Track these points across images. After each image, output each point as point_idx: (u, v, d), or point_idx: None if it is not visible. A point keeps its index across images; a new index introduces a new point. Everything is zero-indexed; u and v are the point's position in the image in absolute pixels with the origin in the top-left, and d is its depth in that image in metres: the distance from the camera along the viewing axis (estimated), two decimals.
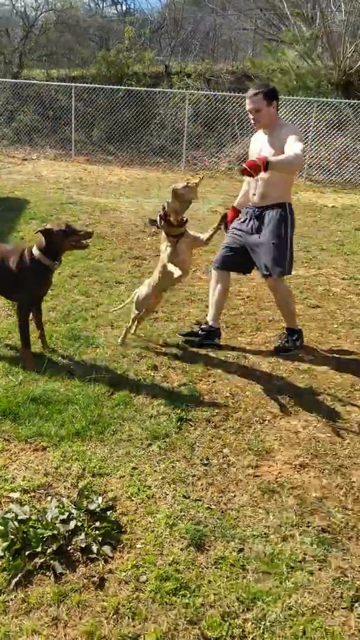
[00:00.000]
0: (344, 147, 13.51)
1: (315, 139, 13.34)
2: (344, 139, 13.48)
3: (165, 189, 11.12)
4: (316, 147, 13.47)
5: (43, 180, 10.95)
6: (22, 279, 3.56)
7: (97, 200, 9.23)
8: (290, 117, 13.52)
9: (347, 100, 13.45)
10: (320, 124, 13.24)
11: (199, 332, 4.17)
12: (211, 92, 14.95)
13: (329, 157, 13.52)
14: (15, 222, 7.24)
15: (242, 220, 4.04)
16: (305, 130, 13.30)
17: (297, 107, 13.30)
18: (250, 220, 3.94)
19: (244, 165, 3.21)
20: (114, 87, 14.89)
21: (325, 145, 13.49)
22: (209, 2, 20.54)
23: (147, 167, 14.24)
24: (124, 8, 34.83)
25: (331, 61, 15.03)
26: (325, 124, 13.31)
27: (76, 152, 14.71)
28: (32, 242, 3.66)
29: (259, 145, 3.78)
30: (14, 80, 16.04)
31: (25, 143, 15.44)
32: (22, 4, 18.26)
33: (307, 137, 13.29)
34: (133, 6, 34.33)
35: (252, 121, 3.75)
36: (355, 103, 13.35)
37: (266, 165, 3.21)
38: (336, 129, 13.40)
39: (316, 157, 13.50)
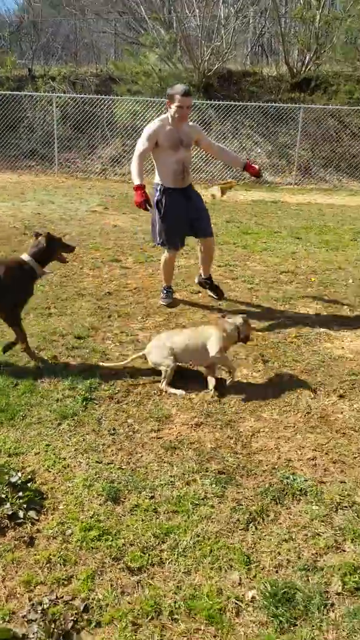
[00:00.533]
0: None
1: None
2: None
3: (40, 191, 11.19)
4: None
5: None
6: (13, 286, 3.61)
7: None
8: (154, 117, 14.06)
9: (208, 102, 14.25)
10: None
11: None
12: (78, 95, 15.10)
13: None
14: None
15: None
16: None
17: (161, 109, 13.85)
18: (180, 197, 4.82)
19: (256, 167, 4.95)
20: None
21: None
22: (67, 6, 20.57)
23: (19, 170, 14.10)
24: None
25: (191, 64, 15.81)
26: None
27: None
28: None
29: (177, 136, 4.63)
30: None
31: None
32: None
33: None
34: None
35: (178, 116, 4.52)
36: (216, 104, 14.19)
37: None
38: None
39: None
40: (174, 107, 4.50)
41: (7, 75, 16.12)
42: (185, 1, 18.17)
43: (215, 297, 5.32)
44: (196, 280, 5.51)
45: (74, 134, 15.06)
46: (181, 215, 4.82)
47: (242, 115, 14.34)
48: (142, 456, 2.91)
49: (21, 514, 2.42)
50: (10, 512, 2.41)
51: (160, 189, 4.77)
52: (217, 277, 5.97)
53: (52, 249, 3.76)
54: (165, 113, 4.68)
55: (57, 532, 2.36)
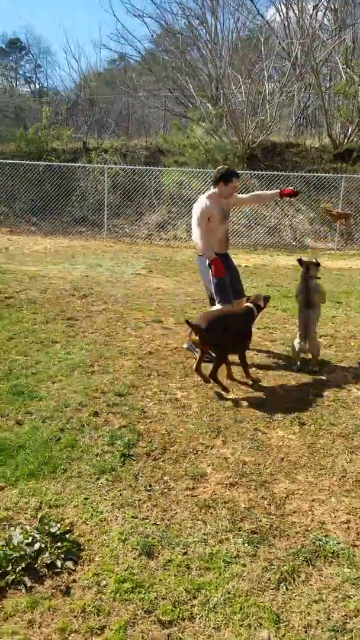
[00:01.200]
0: (253, 212, 14.77)
1: None
2: (251, 206, 14.74)
3: (89, 255, 11.73)
4: None
5: None
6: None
7: (25, 269, 9.62)
8: (202, 187, 14.68)
9: (252, 172, 14.81)
10: None
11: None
12: (128, 166, 15.98)
13: (239, 222, 14.70)
14: None
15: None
16: None
17: (207, 179, 14.48)
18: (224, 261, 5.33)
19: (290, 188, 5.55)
20: (34, 162, 15.58)
21: (235, 211, 14.67)
22: (121, 85, 22.07)
23: (71, 235, 14.84)
24: (37, 86, 36.42)
25: (235, 137, 16.57)
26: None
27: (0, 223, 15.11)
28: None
29: (223, 211, 5.33)
30: None
31: None
32: None
33: None
34: (46, 84, 35.93)
35: (231, 193, 5.29)
36: (259, 174, 14.73)
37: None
38: None
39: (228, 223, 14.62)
40: (230, 187, 5.20)
41: (63, 147, 17.25)
42: (232, 78, 19.26)
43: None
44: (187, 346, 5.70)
45: (123, 202, 15.83)
46: (226, 276, 5.29)
47: (284, 184, 14.79)
48: (176, 513, 2.98)
49: (59, 563, 2.51)
50: (49, 561, 2.51)
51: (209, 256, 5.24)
52: (256, 340, 6.09)
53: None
54: (210, 190, 5.33)
55: (92, 582, 2.44)
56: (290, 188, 5.54)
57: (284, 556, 2.65)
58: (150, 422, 4.03)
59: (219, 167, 5.37)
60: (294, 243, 14.52)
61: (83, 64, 33.21)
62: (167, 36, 23.15)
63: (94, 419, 4.03)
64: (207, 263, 5.19)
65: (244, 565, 2.58)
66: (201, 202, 5.20)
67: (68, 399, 4.33)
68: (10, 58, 43.23)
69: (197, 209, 5.20)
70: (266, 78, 18.16)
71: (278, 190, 5.59)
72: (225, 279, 5.27)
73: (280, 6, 22.56)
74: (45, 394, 4.38)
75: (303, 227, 14.94)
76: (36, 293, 7.79)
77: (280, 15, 22.88)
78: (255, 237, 14.54)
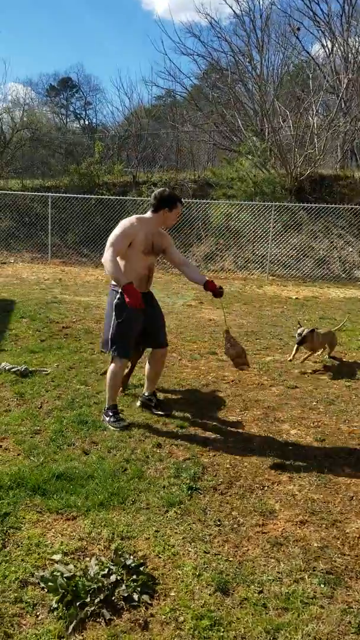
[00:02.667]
0: (301, 244, 14.77)
1: (275, 239, 14.56)
2: (300, 238, 14.76)
3: None
4: (276, 245, 14.67)
5: (24, 282, 11.58)
6: None
7: (79, 299, 9.85)
8: (251, 220, 14.81)
9: (300, 204, 14.86)
10: (278, 225, 14.52)
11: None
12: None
13: (287, 254, 14.71)
14: (6, 320, 7.72)
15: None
16: (265, 231, 14.56)
17: (256, 211, 14.62)
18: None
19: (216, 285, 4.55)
20: (87, 196, 16.07)
21: (284, 243, 14.71)
22: (169, 119, 22.66)
23: None
24: (87, 122, 37.71)
25: (284, 169, 16.70)
26: (283, 225, 14.60)
27: (52, 254, 15.55)
28: None
29: (151, 240, 4.34)
30: None
31: (2, 248, 16.25)
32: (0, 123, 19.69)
33: (267, 237, 14.52)
34: (95, 120, 37.17)
35: (172, 221, 4.45)
36: (307, 206, 14.76)
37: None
38: (293, 229, 14.69)
39: (277, 254, 14.66)
40: (174, 214, 4.36)
41: (113, 181, 17.75)
42: (280, 112, 19.52)
43: (162, 414, 4.70)
44: (138, 404, 4.89)
45: (171, 234, 16.02)
46: (139, 322, 4.43)
47: (333, 216, 14.78)
48: (248, 550, 2.95)
49: (136, 597, 2.51)
50: (126, 594, 2.52)
51: (121, 292, 4.16)
52: (314, 374, 6.03)
53: None
54: (142, 213, 4.51)
55: (170, 618, 2.43)
56: (217, 285, 4.57)
57: None
58: (214, 455, 4.02)
59: (160, 189, 4.47)
60: (343, 275, 14.39)
61: (134, 100, 34.24)
62: (215, 72, 23.75)
63: (158, 450, 4.05)
64: (114, 298, 4.34)
65: (322, 607, 2.52)
66: (126, 220, 4.29)
67: (130, 429, 4.37)
68: (62, 96, 45.03)
69: (118, 226, 4.25)
70: (314, 112, 18.34)
71: (205, 279, 4.56)
72: (132, 323, 4.36)
73: (326, 42, 22.90)
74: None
75: (352, 259, 14.82)
76: (91, 323, 7.95)
77: (325, 50, 23.22)
78: (303, 269, 14.49)
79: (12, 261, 15.08)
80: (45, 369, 5.66)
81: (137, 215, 4.38)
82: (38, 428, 4.30)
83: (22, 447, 3.94)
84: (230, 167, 17.11)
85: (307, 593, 2.61)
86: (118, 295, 4.32)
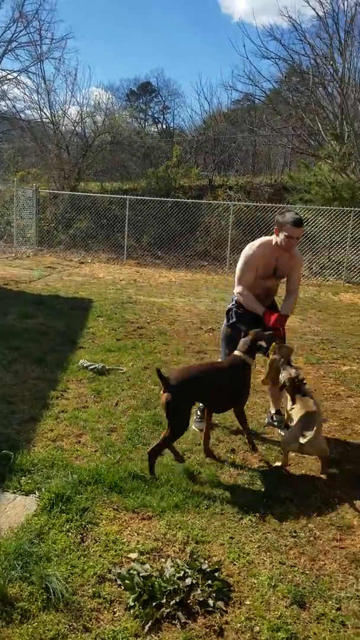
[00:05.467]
0: None
1: (353, 244, 14.15)
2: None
3: (212, 289, 11.92)
4: (355, 252, 14.26)
5: (101, 282, 11.87)
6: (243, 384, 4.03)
7: (153, 300, 9.98)
8: (327, 225, 14.48)
9: None
10: (356, 230, 14.11)
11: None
12: (252, 203, 16.17)
13: None
14: (84, 318, 7.93)
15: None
16: (342, 237, 14.20)
17: (333, 216, 14.28)
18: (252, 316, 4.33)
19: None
20: (163, 199, 16.27)
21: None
22: (247, 123, 22.56)
23: (193, 269, 15.21)
24: (164, 126, 38.21)
25: None
26: None
27: (127, 256, 15.86)
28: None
29: (273, 265, 4.31)
30: (72, 193, 17.68)
31: (80, 248, 16.75)
32: (82, 126, 20.29)
33: (344, 243, 14.16)
34: (172, 124, 37.58)
35: (285, 245, 4.15)
36: None
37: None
38: None
39: (355, 261, 14.25)
40: (282, 235, 4.15)
41: (190, 184, 17.88)
42: None
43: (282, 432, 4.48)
44: (266, 421, 4.72)
45: (245, 237, 15.96)
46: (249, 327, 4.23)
47: None
48: (325, 564, 2.87)
49: (211, 602, 2.51)
50: (201, 599, 2.52)
51: (236, 301, 4.42)
52: None
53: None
54: (269, 236, 4.36)
55: (245, 627, 2.40)
56: (276, 317, 4.20)
57: None
58: (289, 465, 3.94)
59: (284, 211, 4.34)
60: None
61: (214, 104, 34.42)
62: (295, 75, 23.40)
63: (232, 456, 4.03)
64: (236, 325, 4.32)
65: None
66: (250, 249, 4.29)
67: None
68: (141, 100, 45.83)
69: (242, 256, 4.31)
70: None
71: (263, 309, 4.26)
72: (234, 327, 4.35)
73: None
74: None
75: None
76: (165, 325, 8.03)
77: None
78: None
79: (89, 261, 15.50)
80: (121, 368, 5.77)
81: (259, 239, 4.33)
82: (114, 426, 4.39)
83: (100, 444, 4.03)
84: (308, 171, 16.79)
85: None
86: (232, 303, 4.51)
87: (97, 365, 5.64)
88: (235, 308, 4.48)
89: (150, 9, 64.30)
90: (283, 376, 3.94)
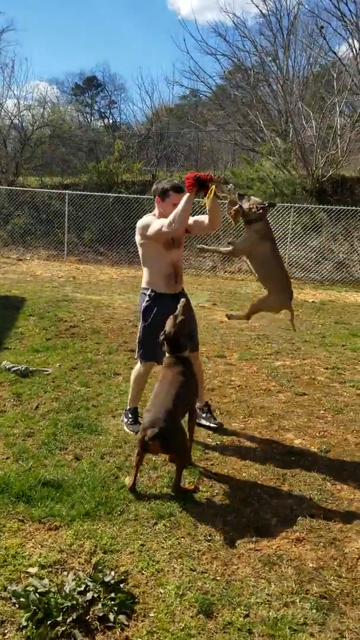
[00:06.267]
0: (320, 247, 14.48)
1: (294, 240, 14.30)
2: (320, 240, 14.47)
3: None
4: (295, 247, 14.41)
5: (38, 279, 11.53)
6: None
7: (90, 297, 9.74)
8: (270, 220, 14.56)
9: (321, 206, 14.56)
10: (297, 226, 14.26)
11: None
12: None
13: (306, 256, 14.43)
14: (14, 318, 7.63)
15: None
16: (284, 232, 14.32)
17: (275, 212, 14.36)
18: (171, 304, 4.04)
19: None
20: (105, 194, 15.98)
21: (303, 245, 14.44)
22: (191, 119, 22.49)
23: (136, 266, 14.99)
24: (111, 121, 37.78)
25: (304, 171, 16.41)
26: (302, 227, 14.33)
27: (68, 252, 15.51)
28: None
29: None
30: (9, 187, 17.14)
31: (19, 244, 16.27)
32: (20, 119, 19.72)
33: (286, 239, 14.27)
34: (119, 119, 37.16)
35: (168, 212, 3.90)
36: (328, 208, 14.46)
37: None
38: (312, 231, 14.42)
39: (295, 257, 14.39)
40: (168, 204, 3.97)
41: (133, 180, 17.64)
42: (303, 113, 19.20)
43: (214, 426, 4.44)
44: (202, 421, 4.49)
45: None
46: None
47: (354, 219, 14.44)
48: (238, 568, 2.77)
49: (112, 617, 2.36)
50: (101, 614, 2.36)
51: (150, 295, 4.18)
52: (324, 380, 5.82)
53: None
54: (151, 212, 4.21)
55: None
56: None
57: (356, 627, 2.39)
58: (212, 464, 3.84)
59: (159, 180, 4.04)
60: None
61: (156, 99, 34.14)
62: (239, 72, 23.48)
63: (154, 458, 3.87)
64: (144, 301, 4.19)
65: (312, 635, 2.34)
66: (145, 219, 4.10)
67: (127, 434, 4.22)
68: (87, 94, 45.13)
69: (138, 228, 4.11)
70: (338, 113, 17.98)
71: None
72: (159, 327, 3.89)
73: (353, 42, 22.46)
74: (104, 428, 4.29)
75: None
76: (100, 323, 7.83)
77: (353, 51, 22.79)
78: (322, 272, 14.20)
79: (27, 258, 15.07)
80: (46, 369, 5.54)
81: (149, 215, 4.16)
82: (31, 430, 4.17)
83: (12, 450, 3.81)
84: (251, 167, 16.87)
85: (296, 619, 2.42)
86: (147, 298, 4.20)
87: (19, 367, 5.39)
88: (149, 302, 4.20)
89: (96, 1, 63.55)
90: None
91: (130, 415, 4.38)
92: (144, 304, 4.21)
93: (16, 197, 16.94)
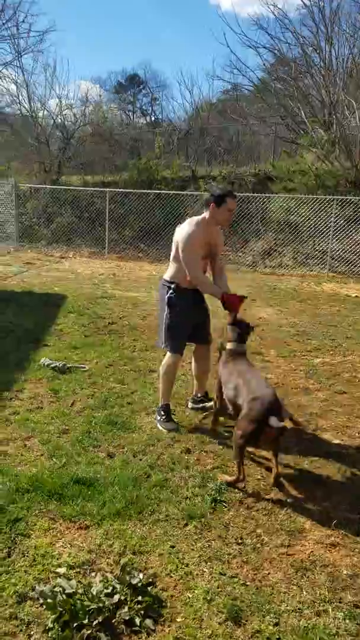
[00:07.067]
0: None
1: (336, 234, 13.95)
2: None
3: None
4: (338, 241, 14.06)
5: (79, 277, 11.64)
6: None
7: (129, 294, 9.76)
8: (311, 214, 14.27)
9: None
10: (340, 219, 13.90)
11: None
12: (236, 193, 15.91)
13: (350, 249, 14.06)
14: (55, 315, 7.72)
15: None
16: (326, 225, 14.00)
17: (316, 205, 14.06)
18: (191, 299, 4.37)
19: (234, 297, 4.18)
20: (145, 191, 16.01)
21: (346, 238, 14.07)
22: (231, 113, 22.25)
23: None
24: (153, 118, 37.85)
25: (348, 162, 15.98)
26: (345, 220, 13.95)
27: (109, 250, 15.62)
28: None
29: (208, 240, 4.23)
30: (52, 187, 17.39)
31: (62, 242, 16.48)
32: (62, 118, 19.95)
33: (328, 232, 13.95)
34: (161, 116, 37.17)
35: (228, 218, 4.16)
36: None
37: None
38: (356, 224, 14.03)
39: (338, 250, 14.05)
40: (223, 210, 4.06)
41: (172, 176, 17.60)
42: (346, 104, 18.71)
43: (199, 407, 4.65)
44: (190, 405, 4.74)
45: (228, 229, 15.76)
46: (189, 318, 4.34)
47: None
48: (269, 573, 2.70)
49: (138, 621, 2.33)
50: (127, 617, 2.33)
51: (174, 287, 4.27)
52: None
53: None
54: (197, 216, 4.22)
55: None
56: (236, 297, 4.19)
57: None
58: (245, 465, 3.76)
59: (210, 186, 4.30)
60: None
61: (196, 95, 33.98)
62: (281, 64, 23.08)
63: (186, 457, 3.84)
64: (166, 293, 4.26)
65: None
66: (189, 229, 4.10)
67: (161, 432, 4.19)
68: (129, 92, 45.37)
69: (179, 234, 4.14)
70: None
71: (221, 291, 4.20)
72: (184, 318, 4.27)
73: None
74: (138, 426, 4.27)
75: None
76: (137, 320, 7.82)
77: None
78: None
79: (70, 256, 15.25)
80: (83, 366, 5.57)
81: (194, 219, 4.18)
82: (66, 427, 4.19)
83: (47, 447, 3.84)
84: (291, 160, 16.55)
85: (328, 629, 2.34)
86: (170, 290, 4.28)
87: (58, 364, 5.44)
88: (173, 294, 4.28)
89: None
90: None
91: (162, 413, 4.36)
92: (167, 295, 4.28)
93: (59, 196, 17.17)
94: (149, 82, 44.78)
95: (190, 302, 4.30)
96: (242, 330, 4.07)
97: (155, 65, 75.84)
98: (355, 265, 13.84)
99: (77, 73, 58.40)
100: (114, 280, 11.43)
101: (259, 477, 3.61)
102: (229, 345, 4.07)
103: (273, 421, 3.19)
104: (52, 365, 5.44)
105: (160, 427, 4.27)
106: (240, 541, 2.93)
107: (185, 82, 64.10)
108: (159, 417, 4.36)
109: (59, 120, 19.94)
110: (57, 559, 2.71)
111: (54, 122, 19.91)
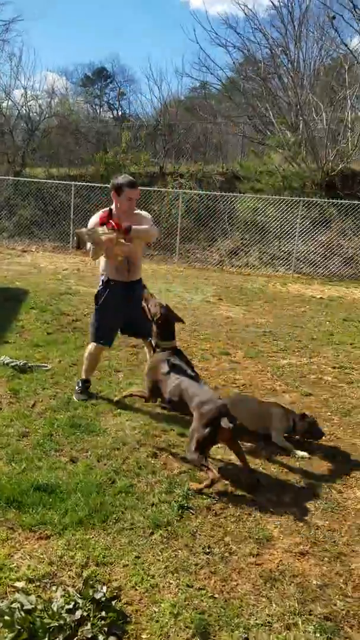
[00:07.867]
0: (329, 242, 14.23)
1: (302, 235, 14.07)
2: (329, 235, 14.23)
3: (160, 279, 11.60)
4: (303, 242, 14.18)
5: (42, 272, 11.38)
6: None
7: (94, 291, 9.53)
8: (277, 215, 14.34)
9: (331, 200, 14.30)
10: (305, 220, 14.02)
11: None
12: (203, 192, 15.87)
13: (315, 251, 14.21)
14: (16, 311, 7.49)
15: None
16: (292, 227, 14.09)
17: (283, 206, 14.14)
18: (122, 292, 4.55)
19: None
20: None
21: (312, 240, 14.21)
22: (200, 111, 22.19)
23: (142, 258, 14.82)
24: (120, 113, 37.45)
25: (314, 164, 16.14)
26: (311, 221, 14.08)
27: (73, 244, 15.35)
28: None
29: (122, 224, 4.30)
30: (16, 178, 16.98)
31: (24, 236, 16.12)
32: (27, 109, 19.50)
33: (294, 233, 14.04)
34: (128, 111, 36.83)
35: (129, 206, 4.32)
36: (337, 202, 14.20)
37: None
38: (321, 226, 14.17)
39: (303, 251, 14.17)
40: (124, 199, 4.26)
41: (140, 171, 17.42)
42: (313, 106, 18.88)
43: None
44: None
45: (196, 227, 15.71)
46: (119, 311, 4.50)
47: None
48: (237, 585, 2.61)
49: (101, 638, 2.20)
50: (90, 635, 2.21)
51: (103, 280, 4.58)
52: (331, 381, 5.64)
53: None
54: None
55: None
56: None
57: None
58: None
59: (115, 175, 4.44)
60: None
61: (164, 91, 33.80)
62: (249, 64, 23.12)
63: (152, 461, 3.73)
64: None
65: None
66: (93, 218, 4.38)
67: (126, 435, 4.06)
68: (96, 86, 44.78)
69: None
70: (349, 106, 17.66)
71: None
72: (108, 311, 4.51)
73: None
74: (102, 428, 4.14)
75: None
76: None
77: None
78: (330, 268, 13.96)
79: (33, 250, 14.92)
80: (45, 365, 5.39)
81: (102, 210, 4.42)
82: (27, 430, 4.02)
83: (5, 451, 3.66)
84: (259, 160, 16.61)
85: None
86: (100, 285, 4.61)
87: (18, 362, 5.25)
88: (100, 287, 4.60)
89: None
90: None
91: (80, 385, 4.70)
92: (97, 288, 4.63)
93: (22, 188, 16.78)
94: (117, 76, 44.26)
95: (118, 294, 4.50)
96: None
97: (124, 59, 75.15)
98: (319, 267, 13.99)
99: (43, 64, 57.38)
100: (78, 276, 11.21)
101: (227, 482, 3.52)
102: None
103: None
104: (12, 364, 5.24)
105: (74, 397, 4.62)
106: (208, 550, 2.84)
107: (154, 77, 63.76)
108: (77, 388, 4.71)
109: (24, 111, 19.52)
110: (16, 572, 2.56)
111: (18, 112, 19.47)
